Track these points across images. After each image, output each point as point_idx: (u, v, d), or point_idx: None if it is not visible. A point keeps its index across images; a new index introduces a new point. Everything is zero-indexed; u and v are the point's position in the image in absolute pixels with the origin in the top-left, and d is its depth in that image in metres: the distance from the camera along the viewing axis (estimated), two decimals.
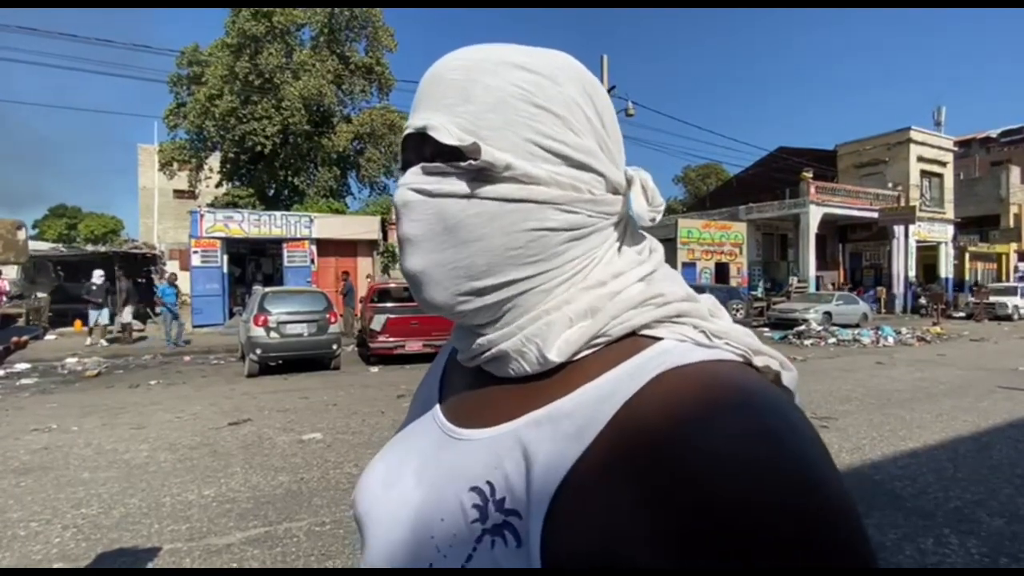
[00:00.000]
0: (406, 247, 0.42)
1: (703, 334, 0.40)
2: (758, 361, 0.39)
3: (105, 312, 12.43)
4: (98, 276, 12.42)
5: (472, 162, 0.40)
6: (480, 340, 0.44)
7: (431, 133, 0.41)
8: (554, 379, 0.41)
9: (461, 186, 0.41)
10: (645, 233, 0.48)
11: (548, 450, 0.36)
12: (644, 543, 0.31)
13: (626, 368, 0.38)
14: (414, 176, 0.42)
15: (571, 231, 0.42)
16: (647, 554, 0.31)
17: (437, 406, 0.50)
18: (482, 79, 0.42)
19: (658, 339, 0.40)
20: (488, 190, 0.40)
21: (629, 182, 0.45)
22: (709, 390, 0.34)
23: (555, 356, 0.41)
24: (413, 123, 0.43)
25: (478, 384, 0.46)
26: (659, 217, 0.45)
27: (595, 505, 0.33)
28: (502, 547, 0.36)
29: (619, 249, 0.45)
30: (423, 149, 0.43)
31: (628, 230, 0.46)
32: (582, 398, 0.38)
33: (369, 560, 0.45)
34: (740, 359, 0.38)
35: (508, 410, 0.41)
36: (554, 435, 0.37)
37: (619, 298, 0.42)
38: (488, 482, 0.39)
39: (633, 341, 0.40)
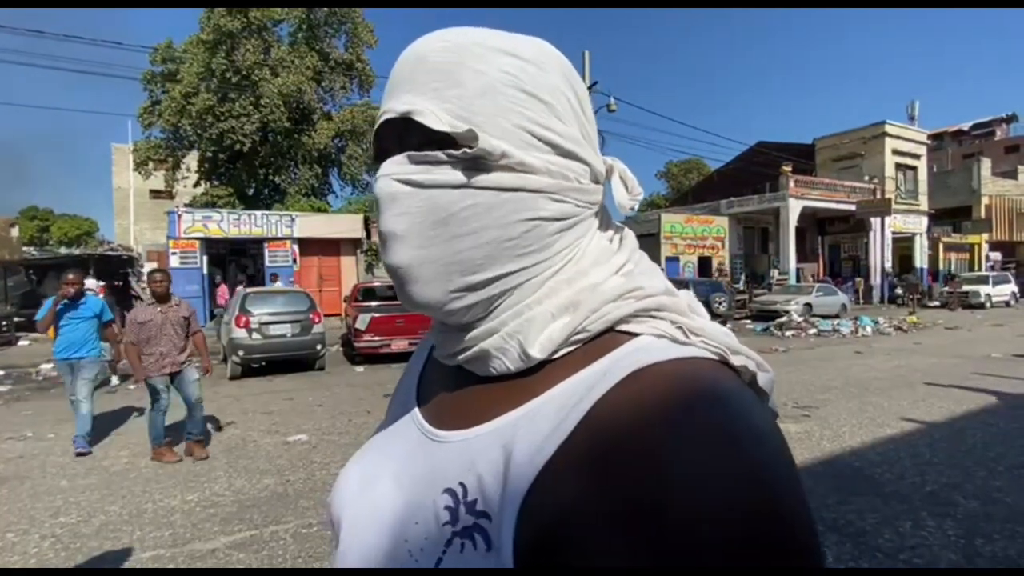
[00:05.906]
0: (391, 242, 0.39)
1: (680, 330, 0.38)
2: (735, 361, 0.38)
3: None
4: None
5: (467, 150, 0.37)
6: (461, 337, 0.42)
7: (418, 119, 0.38)
8: (534, 377, 0.39)
9: (455, 176, 0.38)
10: (616, 222, 0.47)
11: (522, 450, 0.35)
12: (597, 535, 0.30)
13: (602, 364, 0.37)
14: (399, 166, 0.39)
15: (562, 221, 0.41)
16: (595, 547, 0.30)
17: (416, 407, 0.48)
18: (470, 63, 0.39)
19: (636, 335, 0.38)
20: (483, 179, 0.38)
21: (609, 171, 0.44)
22: (680, 390, 0.33)
23: (537, 353, 0.39)
24: (394, 108, 0.40)
25: (458, 384, 0.44)
26: (637, 205, 0.45)
27: (562, 501, 0.32)
28: (471, 550, 0.35)
29: (597, 238, 0.44)
30: (406, 137, 0.40)
31: (603, 219, 0.45)
32: (558, 395, 0.37)
33: (341, 563, 0.43)
34: (716, 358, 0.37)
35: (487, 410, 0.40)
36: (529, 434, 0.36)
37: (599, 291, 0.40)
38: (461, 483, 0.37)
39: (612, 337, 0.39)
